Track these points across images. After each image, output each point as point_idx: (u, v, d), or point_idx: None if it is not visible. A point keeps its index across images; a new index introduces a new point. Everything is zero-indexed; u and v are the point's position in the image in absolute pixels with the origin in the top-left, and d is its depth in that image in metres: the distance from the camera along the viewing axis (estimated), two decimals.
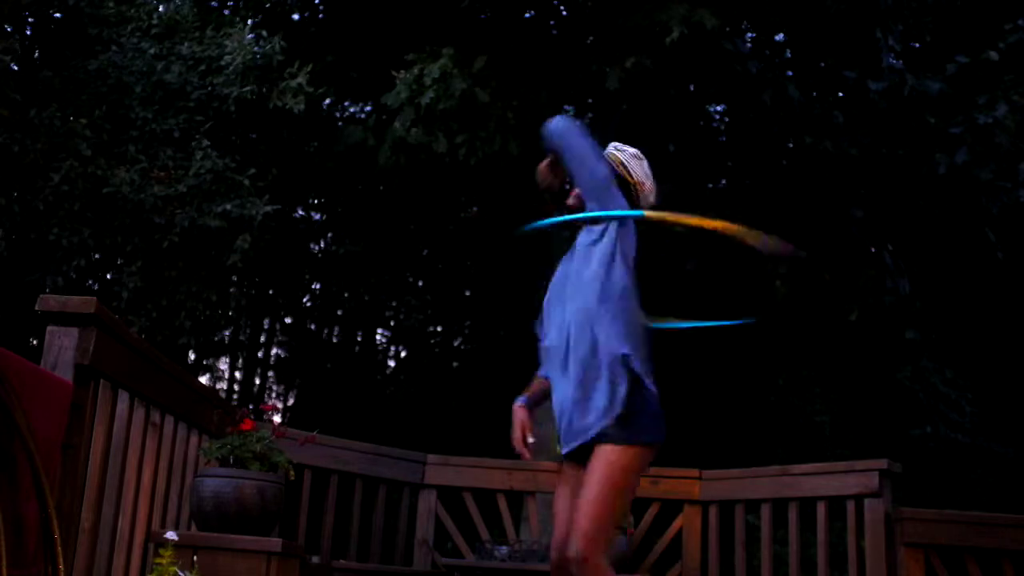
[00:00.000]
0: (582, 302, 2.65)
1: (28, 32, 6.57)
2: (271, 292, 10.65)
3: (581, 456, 2.58)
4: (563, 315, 2.70)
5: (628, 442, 2.50)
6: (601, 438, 2.52)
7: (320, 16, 8.21)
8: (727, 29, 6.91)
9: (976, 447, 8.73)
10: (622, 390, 2.54)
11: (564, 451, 2.66)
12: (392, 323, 12.55)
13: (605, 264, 2.69)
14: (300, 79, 6.40)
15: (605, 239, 2.71)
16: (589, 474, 2.50)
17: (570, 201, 2.86)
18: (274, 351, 13.04)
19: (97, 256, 6.38)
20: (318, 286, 11.69)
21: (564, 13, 7.83)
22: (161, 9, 6.70)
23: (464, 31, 7.01)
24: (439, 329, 11.61)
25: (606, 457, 2.49)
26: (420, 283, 10.95)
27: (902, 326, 8.03)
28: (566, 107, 8.22)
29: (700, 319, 3.10)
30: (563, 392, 2.64)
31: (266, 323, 12.44)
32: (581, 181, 2.77)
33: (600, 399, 2.55)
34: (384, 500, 4.80)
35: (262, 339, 12.65)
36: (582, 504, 2.48)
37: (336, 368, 11.51)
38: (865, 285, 7.45)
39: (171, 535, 2.77)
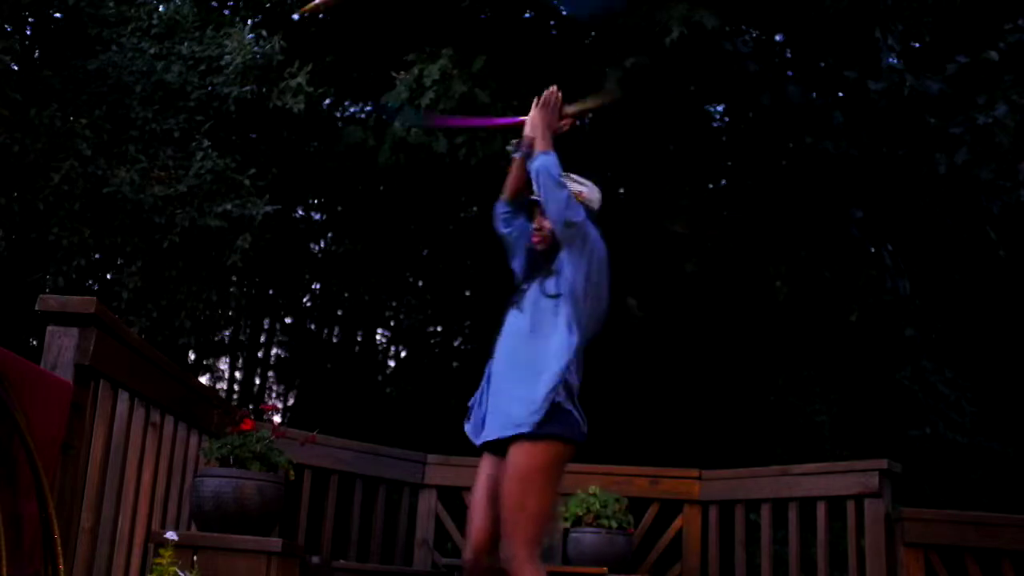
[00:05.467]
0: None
1: (28, 32, 6.56)
2: (271, 292, 10.64)
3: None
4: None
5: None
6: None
7: (320, 16, 8.20)
8: (727, 29, 6.91)
9: (976, 447, 8.72)
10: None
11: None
12: (392, 323, 12.55)
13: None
14: (300, 79, 6.40)
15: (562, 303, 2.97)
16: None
17: (535, 239, 3.14)
18: (274, 351, 13.03)
19: (97, 256, 6.37)
20: (318, 286, 11.68)
21: (564, 13, 7.83)
22: (161, 9, 6.69)
23: (464, 31, 7.01)
24: (439, 329, 11.60)
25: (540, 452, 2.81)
26: (420, 283, 10.94)
27: (902, 325, 8.03)
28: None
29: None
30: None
31: (266, 323, 12.43)
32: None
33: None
34: (384, 500, 4.81)
35: (262, 339, 12.64)
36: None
37: (336, 368, 11.50)
38: (865, 285, 7.45)
39: (171, 535, 2.77)
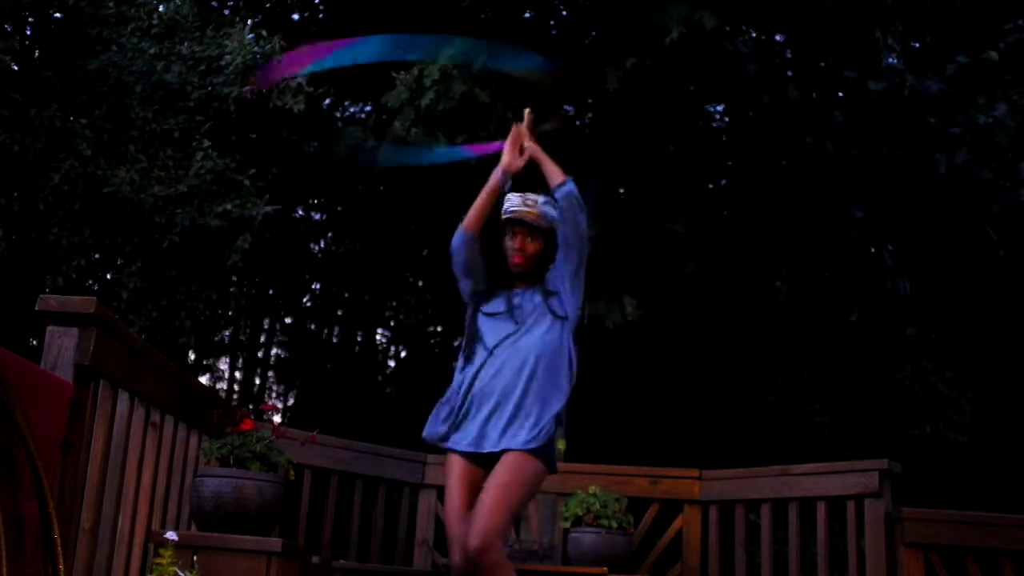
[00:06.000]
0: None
1: (28, 32, 6.57)
2: (271, 292, 10.65)
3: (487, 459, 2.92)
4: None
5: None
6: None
7: (320, 16, 8.21)
8: (727, 29, 6.91)
9: (976, 447, 8.73)
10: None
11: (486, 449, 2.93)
12: (392, 323, 12.56)
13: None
14: (300, 79, 6.40)
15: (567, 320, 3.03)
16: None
17: (517, 259, 3.08)
18: (274, 351, 13.04)
19: (97, 256, 6.38)
20: (318, 286, 11.69)
21: (564, 13, 7.83)
22: (161, 9, 6.70)
23: (464, 31, 7.01)
24: (439, 329, 11.61)
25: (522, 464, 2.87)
26: (420, 283, 10.95)
27: (902, 325, 8.03)
28: (566, 107, 8.22)
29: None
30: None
31: (266, 323, 12.44)
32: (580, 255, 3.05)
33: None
34: (384, 500, 4.80)
35: (262, 339, 12.65)
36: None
37: (336, 368, 11.51)
38: (865, 285, 7.45)
39: (171, 535, 2.77)
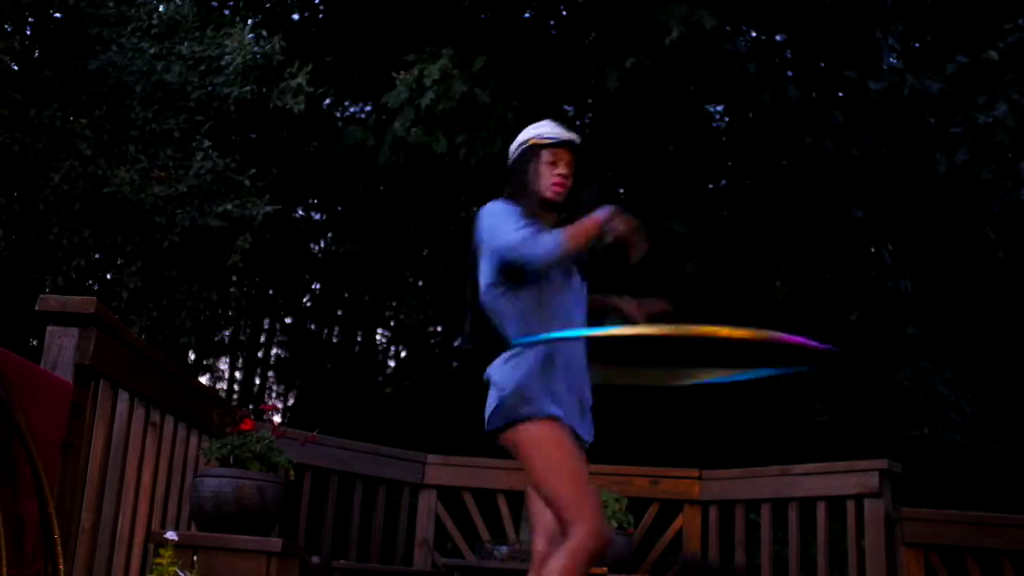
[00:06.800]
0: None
1: (28, 32, 6.57)
2: (271, 292, 10.64)
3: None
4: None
5: None
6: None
7: (320, 16, 8.21)
8: (727, 29, 6.91)
9: (976, 447, 8.72)
10: None
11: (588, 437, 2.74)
12: (392, 323, 12.55)
13: None
14: (300, 79, 6.40)
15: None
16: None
17: (557, 185, 2.75)
18: (274, 351, 13.04)
19: (97, 256, 6.38)
20: (318, 286, 11.68)
21: (564, 13, 7.83)
22: (161, 9, 6.70)
23: (464, 31, 7.01)
24: (439, 329, 11.61)
25: None
26: (420, 283, 10.94)
27: (902, 324, 8.03)
28: (566, 107, 8.22)
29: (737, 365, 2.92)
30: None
31: (266, 323, 12.43)
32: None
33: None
34: (384, 500, 4.81)
35: (262, 339, 12.64)
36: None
37: (336, 368, 11.50)
38: (865, 285, 7.45)
39: (171, 535, 2.77)
